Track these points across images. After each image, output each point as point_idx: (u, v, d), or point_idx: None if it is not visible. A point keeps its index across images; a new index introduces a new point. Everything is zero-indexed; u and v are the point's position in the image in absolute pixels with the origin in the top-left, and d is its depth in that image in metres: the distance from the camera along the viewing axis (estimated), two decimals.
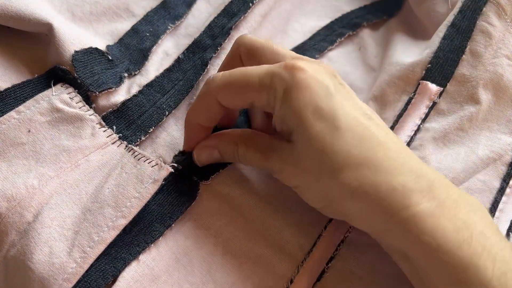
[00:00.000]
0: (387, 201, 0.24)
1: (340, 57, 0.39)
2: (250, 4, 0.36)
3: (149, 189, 0.28)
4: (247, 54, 0.29)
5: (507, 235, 0.30)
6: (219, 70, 0.31)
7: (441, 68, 0.34)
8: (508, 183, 0.31)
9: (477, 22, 0.34)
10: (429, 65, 0.34)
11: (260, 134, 0.29)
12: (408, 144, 0.32)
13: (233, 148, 0.29)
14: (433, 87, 0.33)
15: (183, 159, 0.31)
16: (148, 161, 0.29)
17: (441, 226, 0.24)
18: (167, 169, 0.28)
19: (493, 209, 0.30)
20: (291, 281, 0.28)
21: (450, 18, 0.35)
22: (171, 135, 0.32)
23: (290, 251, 0.29)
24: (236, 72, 0.28)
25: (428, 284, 0.25)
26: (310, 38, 0.39)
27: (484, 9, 0.35)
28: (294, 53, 0.29)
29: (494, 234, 0.25)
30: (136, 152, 0.30)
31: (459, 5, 0.35)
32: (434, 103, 0.33)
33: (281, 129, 0.27)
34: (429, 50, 0.35)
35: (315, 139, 0.25)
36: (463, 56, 0.34)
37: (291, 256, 0.29)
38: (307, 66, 0.26)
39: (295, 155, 0.26)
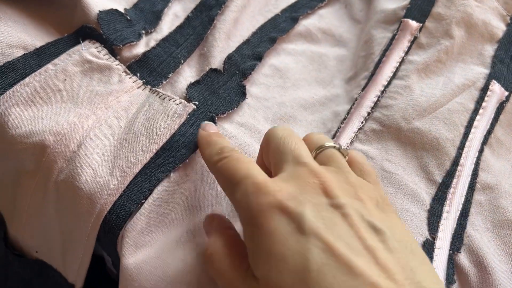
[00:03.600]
0: None
1: (329, 13, 0.44)
2: None
3: (176, 121, 0.32)
4: (265, 150, 0.29)
5: (481, 148, 0.35)
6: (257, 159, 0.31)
7: (420, 8, 0.39)
8: (481, 104, 0.36)
9: None
10: (409, 5, 0.39)
11: (242, 254, 0.25)
12: (394, 74, 0.37)
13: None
14: (413, 23, 0.38)
15: (197, 92, 0.35)
16: (172, 100, 0.33)
17: None
18: (191, 106, 0.33)
19: (469, 126, 0.35)
20: None
21: None
22: (187, 79, 0.37)
23: None
24: (233, 165, 0.27)
25: None
26: None
27: None
28: (295, 155, 0.26)
29: None
30: (160, 93, 0.34)
31: None
32: (415, 38, 0.38)
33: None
34: None
35: (279, 284, 0.22)
36: None
37: None
38: (279, 190, 0.24)
39: None
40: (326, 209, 0.23)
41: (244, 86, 0.37)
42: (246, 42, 0.39)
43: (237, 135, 0.35)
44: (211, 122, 0.33)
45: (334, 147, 0.28)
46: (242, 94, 0.37)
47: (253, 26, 0.41)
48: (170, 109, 0.33)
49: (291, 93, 0.38)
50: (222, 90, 0.36)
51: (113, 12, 0.37)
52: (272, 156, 0.28)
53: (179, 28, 0.39)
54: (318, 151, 0.28)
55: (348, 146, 0.35)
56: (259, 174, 0.25)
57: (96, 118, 0.33)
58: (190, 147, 0.33)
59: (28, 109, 0.32)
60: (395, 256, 0.22)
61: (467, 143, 0.35)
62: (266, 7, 0.43)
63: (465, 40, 0.38)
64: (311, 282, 0.21)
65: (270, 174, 0.27)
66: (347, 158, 0.29)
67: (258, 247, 0.23)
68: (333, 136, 0.35)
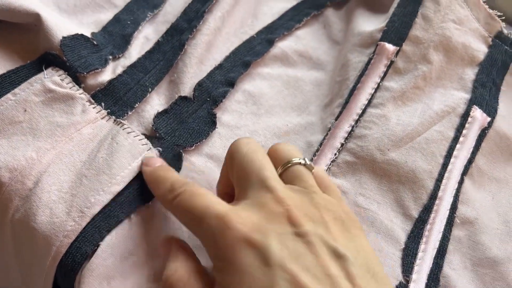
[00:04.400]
0: None
1: (307, 34, 0.42)
2: None
3: (140, 164, 0.31)
4: (229, 166, 0.29)
5: (461, 179, 0.34)
6: (218, 181, 0.31)
7: (397, 30, 0.37)
8: (461, 132, 0.35)
9: None
10: (386, 28, 0.37)
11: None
12: (369, 102, 0.35)
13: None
14: (390, 47, 0.37)
15: (164, 123, 0.34)
16: (138, 137, 0.32)
17: None
18: (156, 152, 0.32)
19: (448, 156, 0.34)
20: None
21: None
22: (154, 108, 0.35)
23: None
24: (190, 201, 0.26)
25: None
26: (279, 18, 0.42)
27: None
28: (260, 178, 0.26)
29: None
30: (125, 125, 0.33)
31: None
32: (392, 62, 0.37)
33: None
34: (385, 18, 0.38)
35: None
36: (416, 19, 0.38)
37: None
38: (243, 223, 0.24)
39: None
40: (290, 239, 0.24)
41: (215, 115, 0.35)
42: (219, 67, 0.38)
43: (206, 169, 0.33)
44: (152, 155, 0.31)
45: (300, 163, 0.28)
46: (212, 123, 0.35)
47: (228, 48, 0.40)
48: (135, 149, 0.31)
49: (264, 120, 0.37)
50: (191, 119, 0.35)
51: (78, 37, 0.35)
52: (236, 175, 0.27)
53: (148, 53, 0.37)
54: (284, 168, 0.28)
55: None
56: (219, 205, 0.25)
57: (56, 153, 0.31)
58: None
59: None
60: (356, 283, 0.23)
61: (446, 175, 0.33)
62: (241, 28, 0.42)
63: (444, 64, 0.37)
64: None
65: (233, 190, 0.27)
66: (312, 172, 0.29)
67: (228, 281, 0.23)
68: None
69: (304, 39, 0.42)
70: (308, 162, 0.28)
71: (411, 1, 0.38)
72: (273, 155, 0.29)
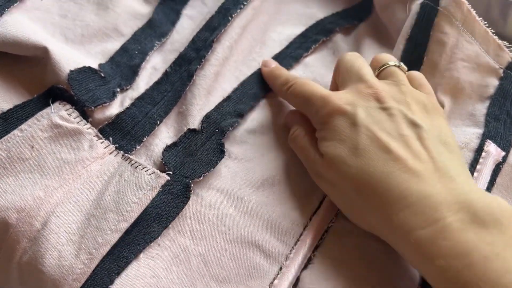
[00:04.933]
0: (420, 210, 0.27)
1: (316, 61, 0.42)
2: (230, 18, 0.38)
3: (148, 195, 0.30)
4: (336, 72, 0.36)
5: None
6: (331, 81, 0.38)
7: None
8: (475, 167, 0.34)
9: (431, 33, 0.38)
10: None
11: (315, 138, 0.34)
12: None
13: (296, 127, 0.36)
14: None
15: (173, 156, 0.33)
16: (145, 169, 0.31)
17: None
18: (164, 177, 0.31)
19: None
20: (280, 268, 0.31)
21: (407, 30, 0.38)
22: (163, 141, 0.35)
23: (282, 239, 0.32)
24: (301, 88, 0.35)
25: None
26: (287, 47, 0.42)
27: (436, 19, 0.38)
28: (358, 73, 0.34)
29: None
30: (132, 161, 0.32)
31: (414, 16, 0.38)
32: None
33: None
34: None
35: (337, 156, 0.31)
36: (422, 66, 0.37)
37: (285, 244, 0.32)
38: (340, 99, 0.32)
39: (325, 168, 0.32)
40: (375, 111, 0.31)
41: (223, 144, 0.35)
42: (227, 99, 0.37)
43: (215, 203, 0.33)
44: (269, 58, 0.40)
45: (395, 65, 0.35)
46: (220, 152, 0.35)
47: (236, 77, 0.39)
48: (141, 180, 0.31)
49: (274, 154, 0.36)
50: (200, 152, 0.34)
51: (85, 70, 0.35)
52: (340, 77, 0.35)
53: (156, 84, 0.37)
54: (381, 69, 0.35)
55: None
56: (323, 90, 0.34)
57: (64, 191, 0.31)
58: (163, 221, 0.31)
59: None
60: (424, 143, 0.30)
61: None
62: (249, 55, 0.41)
63: (453, 105, 0.36)
64: (359, 154, 0.30)
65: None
66: (406, 74, 0.35)
67: (326, 137, 0.32)
68: (314, 212, 0.33)
69: (313, 66, 0.41)
70: (402, 65, 0.35)
71: (417, 46, 0.38)
72: (373, 62, 0.36)
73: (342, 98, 0.32)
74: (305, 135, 0.34)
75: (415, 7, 0.39)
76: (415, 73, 0.35)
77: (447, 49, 0.37)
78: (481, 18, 0.38)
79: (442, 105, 0.36)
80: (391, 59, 0.35)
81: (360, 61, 0.34)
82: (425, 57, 0.37)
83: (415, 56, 0.38)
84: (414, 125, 0.30)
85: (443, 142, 0.30)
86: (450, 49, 0.37)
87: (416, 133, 0.30)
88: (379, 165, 0.29)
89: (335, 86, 0.36)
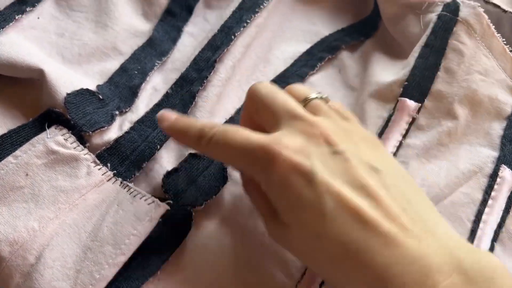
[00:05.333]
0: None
1: (322, 80, 0.41)
2: (233, 37, 0.37)
3: (147, 227, 0.29)
4: (253, 109, 0.30)
5: (491, 245, 0.32)
6: (241, 118, 0.32)
7: (418, 85, 0.35)
8: (490, 194, 0.32)
9: (449, 41, 0.36)
10: (406, 83, 0.35)
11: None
12: None
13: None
14: (412, 103, 0.35)
15: (174, 183, 0.32)
16: (144, 198, 0.30)
17: None
18: (164, 207, 0.30)
19: (477, 221, 0.32)
20: None
21: (423, 39, 0.37)
22: (163, 166, 0.33)
23: (288, 273, 0.30)
24: (226, 139, 0.27)
25: None
26: (292, 65, 0.40)
27: (454, 28, 0.36)
28: (288, 109, 0.28)
29: None
30: (131, 189, 0.31)
31: (431, 25, 0.37)
32: (414, 119, 0.35)
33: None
34: (405, 70, 0.36)
35: (304, 227, 0.25)
36: (438, 73, 0.35)
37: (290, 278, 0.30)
38: (286, 148, 0.25)
39: (289, 238, 0.26)
40: (329, 157, 0.26)
41: (226, 169, 0.33)
42: (230, 120, 0.36)
43: (218, 235, 0.31)
44: (165, 110, 0.31)
45: (317, 98, 0.30)
46: (223, 178, 0.33)
47: (239, 98, 0.38)
48: (140, 211, 0.29)
49: None
50: (201, 178, 0.33)
51: (83, 92, 0.34)
52: (262, 114, 0.29)
53: (157, 106, 0.35)
54: (304, 103, 0.30)
55: None
56: (258, 136, 0.27)
57: (59, 222, 0.29)
58: (162, 253, 0.29)
59: None
60: (390, 192, 0.25)
61: (475, 242, 0.31)
62: (253, 74, 0.40)
63: (470, 119, 0.35)
64: (327, 223, 0.24)
65: (261, 130, 0.28)
66: (329, 104, 0.30)
67: (280, 201, 0.26)
68: None
69: (319, 86, 0.40)
70: (324, 96, 0.30)
71: (433, 52, 0.36)
72: (291, 93, 0.30)
73: (288, 146, 0.26)
74: (259, 198, 0.29)
75: (432, 18, 0.38)
76: (336, 104, 0.30)
77: (465, 59, 0.35)
78: (499, 35, 0.37)
79: (457, 117, 0.34)
80: (309, 90, 0.30)
81: (282, 93, 0.29)
82: (442, 63, 0.36)
83: (431, 61, 0.36)
84: (372, 169, 0.26)
85: (406, 182, 0.27)
86: (468, 59, 0.35)
87: (378, 180, 0.26)
88: (352, 233, 0.24)
89: (251, 123, 0.30)
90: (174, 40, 0.40)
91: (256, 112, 0.29)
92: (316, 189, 0.25)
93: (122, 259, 0.28)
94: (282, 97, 0.28)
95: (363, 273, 0.24)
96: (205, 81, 0.36)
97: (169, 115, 0.30)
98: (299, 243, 0.26)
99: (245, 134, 0.27)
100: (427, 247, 0.24)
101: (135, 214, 0.29)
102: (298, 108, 0.28)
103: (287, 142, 0.26)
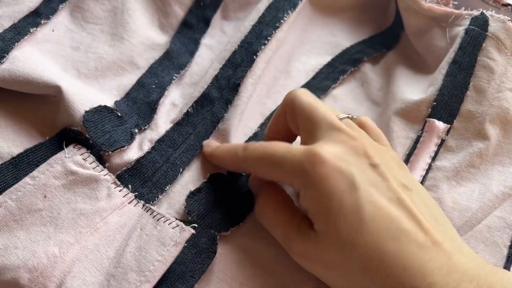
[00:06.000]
0: None
1: (344, 94, 0.39)
2: (254, 57, 0.36)
3: (172, 252, 0.28)
4: (290, 114, 0.30)
5: None
6: (268, 126, 0.33)
7: (447, 105, 0.34)
8: None
9: (478, 57, 0.35)
10: (435, 103, 0.34)
11: (292, 209, 0.29)
12: (421, 183, 0.32)
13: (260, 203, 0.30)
14: (441, 125, 0.34)
15: (197, 204, 0.31)
16: (168, 221, 0.29)
17: None
18: (189, 231, 0.28)
19: None
20: None
21: (451, 55, 0.36)
22: (185, 188, 0.32)
23: None
24: (267, 149, 0.29)
25: None
26: (313, 78, 0.39)
27: (484, 44, 0.35)
28: (329, 120, 0.28)
29: None
30: (154, 212, 0.29)
31: (458, 41, 0.36)
32: (443, 140, 0.34)
33: (306, 215, 0.27)
34: (433, 88, 0.35)
35: (339, 234, 0.25)
36: (467, 92, 0.34)
37: None
38: (330, 154, 0.26)
39: (319, 248, 0.26)
40: (367, 169, 0.27)
41: (252, 194, 0.32)
42: (254, 137, 0.35)
43: (244, 258, 0.30)
44: (209, 140, 0.34)
45: (349, 117, 0.31)
46: (249, 204, 0.32)
47: (261, 113, 0.37)
48: (165, 235, 0.28)
49: None
50: (227, 201, 0.32)
51: (101, 109, 0.32)
52: (302, 122, 0.29)
53: (177, 125, 0.34)
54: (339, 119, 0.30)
55: None
56: (297, 146, 0.28)
57: (80, 247, 0.28)
58: (187, 279, 0.28)
59: (1, 235, 0.27)
60: (419, 210, 0.26)
61: (511, 268, 0.30)
62: (274, 88, 0.39)
63: (501, 139, 0.34)
64: (364, 231, 0.25)
65: (289, 136, 0.31)
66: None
67: (319, 205, 0.26)
68: None
69: (342, 100, 0.39)
70: (355, 117, 0.32)
71: (462, 69, 0.35)
72: None
73: (332, 153, 0.26)
74: (279, 207, 0.29)
75: (459, 32, 0.36)
76: (368, 122, 0.32)
77: (495, 76, 0.34)
78: None
79: (488, 137, 0.33)
80: (338, 111, 0.32)
81: (322, 104, 0.30)
82: (471, 82, 0.35)
83: (459, 80, 0.35)
84: (404, 187, 0.27)
85: (433, 204, 0.28)
86: (499, 77, 0.34)
87: (409, 197, 0.26)
88: (388, 242, 0.24)
89: (278, 129, 0.32)
90: (192, 53, 0.39)
91: (292, 118, 0.30)
92: (357, 195, 0.25)
93: (147, 286, 0.27)
94: (322, 108, 0.29)
95: (397, 282, 0.24)
96: (229, 106, 0.35)
97: (213, 143, 0.33)
98: (329, 252, 0.26)
99: (286, 145, 0.28)
100: (458, 260, 0.24)
101: (159, 239, 0.28)
102: (338, 121, 0.29)
103: (329, 149, 0.27)
